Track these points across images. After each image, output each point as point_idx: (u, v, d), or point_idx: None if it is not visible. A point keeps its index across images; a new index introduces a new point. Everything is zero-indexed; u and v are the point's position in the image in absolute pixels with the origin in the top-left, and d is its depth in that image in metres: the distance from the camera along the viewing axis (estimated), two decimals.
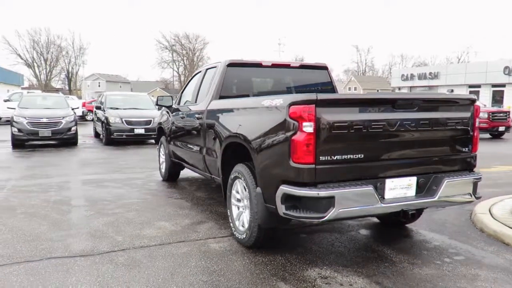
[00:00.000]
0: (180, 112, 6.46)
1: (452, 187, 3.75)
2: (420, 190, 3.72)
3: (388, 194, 3.56)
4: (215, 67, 5.54)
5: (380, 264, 3.81)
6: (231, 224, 4.42)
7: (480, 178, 3.99)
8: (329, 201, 3.20)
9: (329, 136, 3.27)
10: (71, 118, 12.86)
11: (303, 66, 5.83)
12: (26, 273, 3.54)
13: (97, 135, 15.54)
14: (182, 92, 6.82)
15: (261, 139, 3.71)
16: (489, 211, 5.20)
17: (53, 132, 12.39)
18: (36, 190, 6.73)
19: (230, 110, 4.69)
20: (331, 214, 3.21)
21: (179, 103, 6.76)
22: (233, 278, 3.50)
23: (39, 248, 4.10)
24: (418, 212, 4.75)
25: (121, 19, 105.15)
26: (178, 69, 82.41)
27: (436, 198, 3.67)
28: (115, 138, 13.20)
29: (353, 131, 3.33)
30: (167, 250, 4.13)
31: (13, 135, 12.17)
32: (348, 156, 3.36)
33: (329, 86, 5.87)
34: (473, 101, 3.97)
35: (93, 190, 6.79)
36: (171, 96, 7.35)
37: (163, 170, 7.59)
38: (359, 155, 3.40)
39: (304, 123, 3.19)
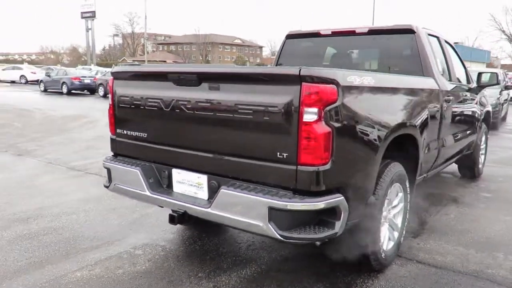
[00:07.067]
0: None
1: (229, 201, 2.50)
2: (215, 195, 2.66)
3: (176, 187, 2.92)
4: None
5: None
6: None
7: (290, 205, 2.25)
8: (109, 173, 3.22)
9: (119, 109, 3.22)
10: None
11: (375, 32, 4.49)
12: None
13: None
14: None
15: None
16: None
17: None
18: None
19: None
20: (110, 186, 3.23)
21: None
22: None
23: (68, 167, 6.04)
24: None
25: None
26: None
27: (208, 210, 2.60)
28: None
29: (133, 106, 3.09)
30: None
31: None
32: (135, 133, 3.15)
33: (414, 54, 4.09)
34: (299, 80, 2.23)
35: None
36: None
37: None
38: (143, 134, 3.11)
39: (109, 95, 3.31)
